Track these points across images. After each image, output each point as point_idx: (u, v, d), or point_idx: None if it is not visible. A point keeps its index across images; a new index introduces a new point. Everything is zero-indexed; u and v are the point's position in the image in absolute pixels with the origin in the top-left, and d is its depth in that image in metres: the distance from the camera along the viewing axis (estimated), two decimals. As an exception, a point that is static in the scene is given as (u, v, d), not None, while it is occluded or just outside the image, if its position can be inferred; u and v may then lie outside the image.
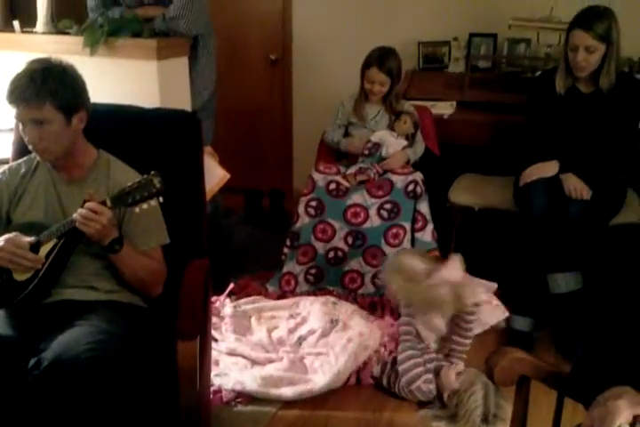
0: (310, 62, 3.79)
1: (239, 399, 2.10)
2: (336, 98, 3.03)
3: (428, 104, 3.18)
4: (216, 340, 2.34)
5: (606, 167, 2.46)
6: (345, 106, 2.90)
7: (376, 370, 2.22)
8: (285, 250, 2.83)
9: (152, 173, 1.54)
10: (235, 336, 2.36)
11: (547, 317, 2.48)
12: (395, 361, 2.18)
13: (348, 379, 2.21)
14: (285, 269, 2.79)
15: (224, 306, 2.57)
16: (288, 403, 2.10)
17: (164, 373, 1.54)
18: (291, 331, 2.38)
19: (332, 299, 2.57)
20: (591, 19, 2.42)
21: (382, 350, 2.30)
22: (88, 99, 1.71)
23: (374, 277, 2.71)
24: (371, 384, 2.22)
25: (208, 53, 2.75)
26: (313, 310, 2.46)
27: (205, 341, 1.73)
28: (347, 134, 2.92)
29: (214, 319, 2.42)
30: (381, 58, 2.76)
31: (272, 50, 3.84)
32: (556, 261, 2.33)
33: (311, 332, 2.36)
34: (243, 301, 2.62)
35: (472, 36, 3.44)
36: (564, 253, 2.32)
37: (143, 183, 1.53)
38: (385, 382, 2.19)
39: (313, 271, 2.77)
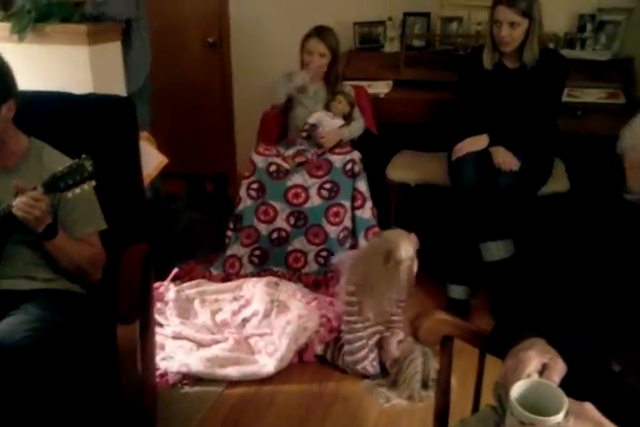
0: (249, 45, 3.79)
1: (185, 381, 2.14)
2: (276, 80, 3.04)
3: (364, 84, 3.23)
4: (161, 325, 2.36)
5: (532, 139, 2.58)
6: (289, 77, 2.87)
7: (319, 349, 2.29)
8: (229, 233, 2.86)
9: (83, 156, 1.54)
10: (179, 320, 2.39)
11: (481, 284, 2.60)
12: (337, 341, 2.26)
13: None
14: (229, 252, 2.82)
15: (168, 291, 2.59)
16: (234, 382, 2.15)
17: (105, 357, 1.55)
18: (234, 313, 2.43)
19: (274, 279, 2.62)
20: None
21: (322, 330, 2.34)
22: (16, 86, 1.69)
23: (317, 255, 2.78)
24: (314, 361, 2.30)
25: (142, 37, 2.73)
26: (256, 291, 2.51)
27: (148, 325, 1.76)
28: (287, 110, 2.92)
29: (158, 304, 2.45)
30: (320, 29, 2.80)
31: (209, 33, 3.82)
32: (487, 231, 2.44)
33: (255, 313, 2.41)
34: (186, 285, 2.64)
35: (406, 15, 3.50)
36: (494, 223, 2.43)
37: (74, 168, 1.53)
38: (329, 357, 2.27)
39: (257, 253, 2.82)
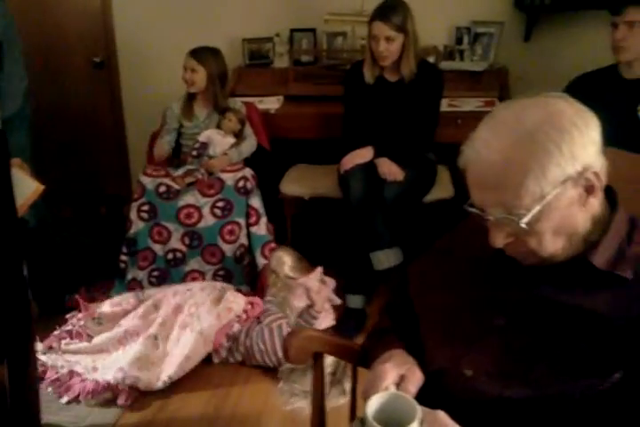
0: (137, 63, 3.72)
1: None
2: (167, 98, 3.01)
3: (255, 100, 3.25)
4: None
5: (414, 149, 2.67)
6: (173, 109, 2.90)
7: (236, 328, 2.32)
8: (123, 257, 2.80)
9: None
10: (84, 345, 2.35)
11: (376, 292, 2.66)
12: (247, 333, 2.32)
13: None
14: (129, 277, 2.76)
15: (69, 321, 2.49)
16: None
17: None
18: (145, 317, 2.39)
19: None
20: (388, 11, 2.60)
21: (244, 316, 2.38)
22: None
23: (215, 274, 2.76)
24: (221, 361, 2.34)
25: (14, 60, 2.61)
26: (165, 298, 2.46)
27: (28, 361, 1.69)
28: (180, 138, 2.91)
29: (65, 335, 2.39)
30: (196, 49, 2.82)
31: (95, 52, 3.72)
32: (376, 241, 2.50)
33: (168, 312, 2.38)
34: (81, 315, 2.55)
35: (293, 31, 3.55)
36: (382, 233, 2.50)
37: None
38: (242, 348, 2.31)
39: (155, 274, 2.77)
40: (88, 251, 3.02)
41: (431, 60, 3.33)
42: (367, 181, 2.58)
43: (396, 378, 1.05)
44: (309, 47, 3.56)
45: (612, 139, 2.35)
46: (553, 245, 0.99)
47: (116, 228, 3.43)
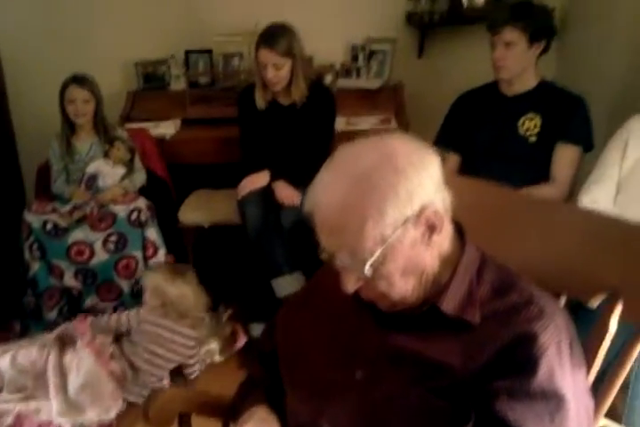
0: (24, 90, 3.54)
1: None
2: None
3: (150, 125, 3.15)
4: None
5: (310, 172, 2.62)
6: (54, 149, 2.76)
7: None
8: (29, 299, 2.65)
9: None
10: None
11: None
12: None
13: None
14: (48, 318, 2.62)
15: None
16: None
17: None
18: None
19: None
20: (273, 37, 2.55)
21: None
22: None
23: (114, 311, 2.63)
24: None
25: None
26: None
27: None
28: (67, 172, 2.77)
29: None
30: (79, 78, 2.71)
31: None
32: (276, 268, 2.46)
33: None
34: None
35: (188, 52, 3.47)
36: (282, 259, 2.45)
37: None
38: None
39: (67, 308, 2.65)
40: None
41: (329, 78, 3.34)
42: (264, 206, 2.53)
43: None
44: (206, 69, 3.48)
45: (495, 153, 2.42)
46: (403, 286, 0.97)
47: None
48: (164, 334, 2.01)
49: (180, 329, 2.04)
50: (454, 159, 2.44)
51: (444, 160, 2.58)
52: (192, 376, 2.11)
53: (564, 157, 2.23)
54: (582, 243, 1.06)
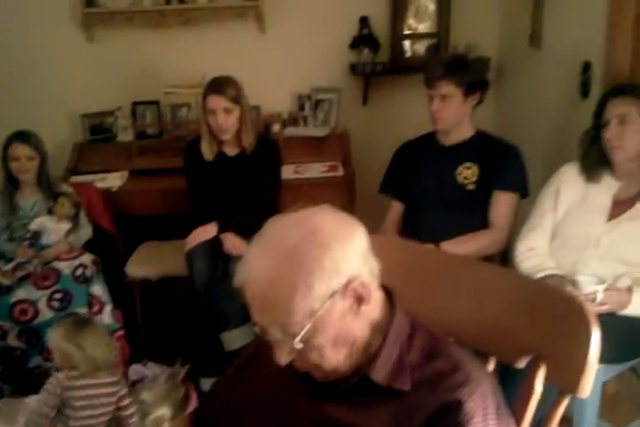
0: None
1: None
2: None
3: (96, 177, 3.13)
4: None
5: (259, 221, 2.63)
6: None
7: None
8: None
9: None
10: None
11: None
12: None
13: None
14: None
15: None
16: None
17: None
18: None
19: None
20: (221, 85, 2.61)
21: None
22: None
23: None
24: None
25: None
26: None
27: None
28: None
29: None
30: (23, 134, 2.68)
31: None
32: (224, 321, 2.43)
33: None
34: None
35: (135, 104, 3.49)
36: (229, 313, 2.43)
37: None
38: None
39: (7, 372, 2.54)
40: None
41: (276, 127, 3.39)
42: (212, 258, 2.52)
43: None
44: (154, 119, 3.50)
45: (435, 201, 2.47)
46: (335, 357, 0.98)
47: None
48: (89, 392, 1.94)
49: (101, 380, 1.95)
50: (397, 207, 2.49)
51: (388, 208, 2.61)
52: None
53: (502, 203, 2.30)
54: (508, 304, 1.10)
